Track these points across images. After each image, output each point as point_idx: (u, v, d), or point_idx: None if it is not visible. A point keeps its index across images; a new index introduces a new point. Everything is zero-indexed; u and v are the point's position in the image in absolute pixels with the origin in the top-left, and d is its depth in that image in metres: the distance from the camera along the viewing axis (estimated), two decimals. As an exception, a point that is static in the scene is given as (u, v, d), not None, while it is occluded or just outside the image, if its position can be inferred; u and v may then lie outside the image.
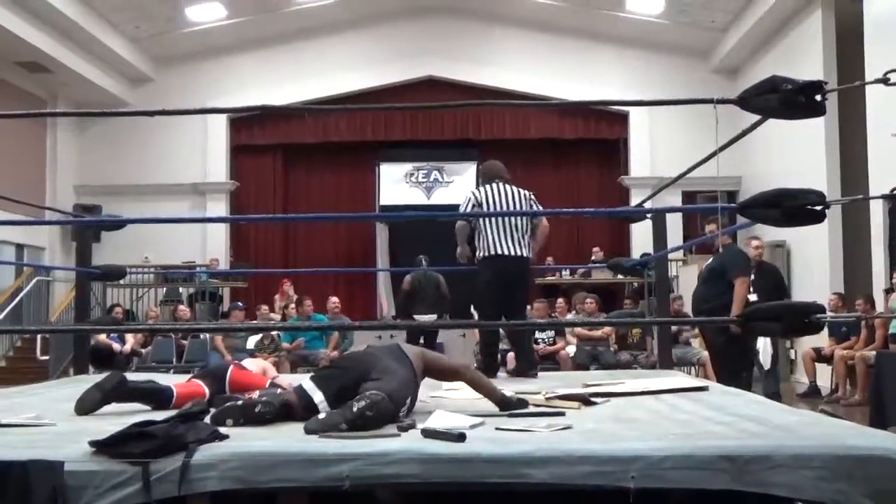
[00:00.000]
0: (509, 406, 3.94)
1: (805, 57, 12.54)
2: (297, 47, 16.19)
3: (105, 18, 14.35)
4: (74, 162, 16.26)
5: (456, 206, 15.67)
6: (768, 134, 12.76)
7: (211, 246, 16.09)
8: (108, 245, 13.53)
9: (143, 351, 11.81)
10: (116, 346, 11.32)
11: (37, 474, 2.69)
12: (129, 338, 11.53)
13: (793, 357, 12.63)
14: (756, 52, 14.56)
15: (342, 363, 3.99)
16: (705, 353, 10.56)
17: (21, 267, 14.61)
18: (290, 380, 4.63)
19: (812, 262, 12.43)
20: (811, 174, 11.67)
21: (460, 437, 2.97)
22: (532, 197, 6.34)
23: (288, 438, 3.11)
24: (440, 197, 16.63)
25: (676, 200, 14.88)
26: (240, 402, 3.60)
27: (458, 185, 16.73)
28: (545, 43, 16.08)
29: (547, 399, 4.33)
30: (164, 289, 15.49)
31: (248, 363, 4.94)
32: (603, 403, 4.28)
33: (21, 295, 14.09)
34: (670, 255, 10.43)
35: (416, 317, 10.95)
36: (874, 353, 9.10)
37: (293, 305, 12.43)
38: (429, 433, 3.08)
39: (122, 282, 13.49)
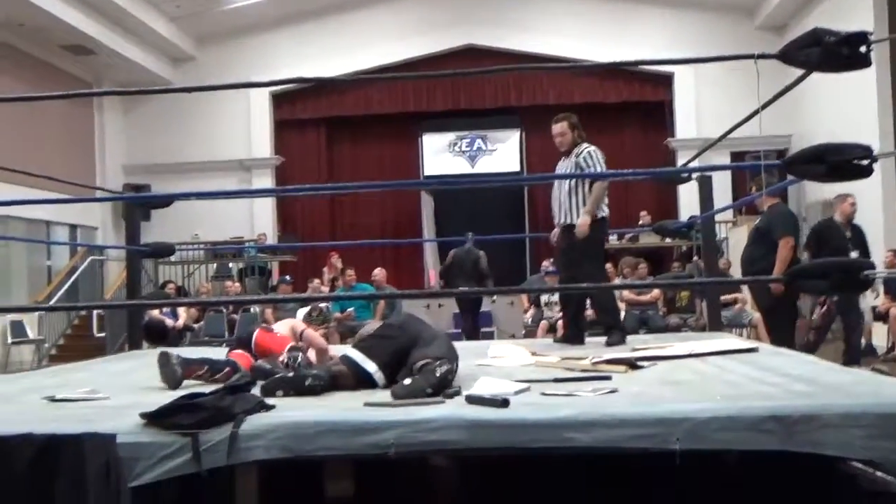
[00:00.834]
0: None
1: (854, 9, 12.18)
2: (337, 20, 16.17)
3: (146, -1, 14.48)
4: (122, 142, 16.49)
5: (500, 174, 15.81)
6: (818, 90, 12.49)
7: (258, 221, 16.25)
8: (158, 223, 13.74)
9: (196, 326, 12.00)
10: (169, 321, 11.50)
11: (91, 447, 2.76)
12: (182, 313, 11.71)
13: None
14: (803, 6, 14.18)
15: (387, 332, 3.99)
16: (757, 315, 10.45)
17: (75, 247, 14.92)
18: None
19: (866, 218, 12.13)
20: (863, 129, 11.39)
21: (504, 403, 2.97)
22: None
23: (333, 408, 3.14)
24: (484, 165, 16.58)
25: (724, 161, 14.63)
26: (290, 375, 3.66)
27: (502, 153, 16.68)
28: (586, 6, 15.85)
29: (593, 364, 4.31)
30: (215, 265, 15.69)
31: (278, 325, 4.98)
32: (650, 367, 4.25)
33: (76, 274, 14.39)
34: (720, 217, 10.33)
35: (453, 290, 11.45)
36: (931, 310, 8.91)
37: (341, 278, 12.54)
38: (473, 399, 3.09)
39: (173, 259, 13.71)
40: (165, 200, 6.90)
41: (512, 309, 12.73)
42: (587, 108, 16.18)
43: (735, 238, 13.76)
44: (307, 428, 2.83)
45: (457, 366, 3.75)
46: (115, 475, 2.71)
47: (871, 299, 10.19)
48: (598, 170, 5.79)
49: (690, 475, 2.97)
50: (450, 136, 16.88)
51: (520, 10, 15.81)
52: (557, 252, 6.31)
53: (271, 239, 15.96)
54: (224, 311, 12.02)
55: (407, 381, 3.39)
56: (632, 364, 4.25)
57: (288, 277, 13.39)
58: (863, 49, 2.84)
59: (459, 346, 4.24)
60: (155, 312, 11.10)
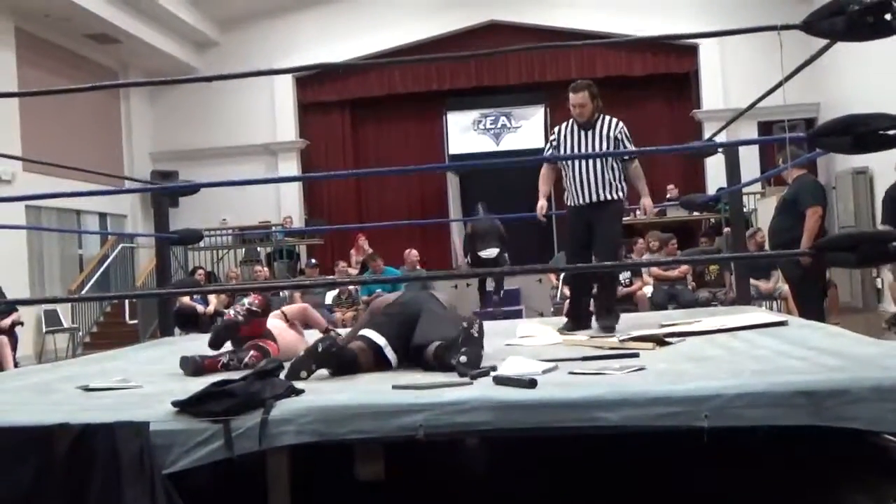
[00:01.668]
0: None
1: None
2: (358, 1, 16.14)
3: (168, -16, 14.53)
4: (149, 129, 16.62)
5: (526, 152, 15.74)
6: (847, 56, 12.26)
7: (285, 205, 16.33)
8: (186, 209, 13.84)
9: (226, 311, 12.10)
10: (200, 307, 11.61)
11: (125, 435, 2.81)
12: (212, 299, 11.81)
13: (879, 286, 12.27)
14: (831, -29, 13.93)
15: (391, 310, 4.10)
16: (786, 287, 10.36)
17: (105, 235, 15.08)
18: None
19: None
20: (893, 96, 11.20)
21: (532, 383, 2.98)
22: None
23: (362, 391, 3.17)
24: (509, 143, 16.51)
25: (752, 131, 14.48)
26: (302, 353, 3.72)
27: (527, 130, 16.58)
28: (608, -22, 15.69)
29: (621, 341, 4.31)
30: (243, 249, 15.80)
31: (288, 308, 4.99)
32: (678, 343, 4.24)
33: (107, 262, 14.56)
34: (748, 189, 10.23)
35: (479, 253, 12.21)
36: (965, 278, 8.79)
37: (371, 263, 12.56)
38: (501, 380, 3.10)
39: (202, 244, 13.81)
40: (192, 188, 6.93)
41: (540, 286, 12.73)
42: (612, 82, 16.04)
43: (764, 209, 13.63)
44: (337, 411, 2.86)
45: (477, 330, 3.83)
46: (149, 462, 2.76)
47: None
48: (632, 146, 5.60)
49: (719, 450, 2.97)
50: (474, 114, 16.82)
51: (542, -16, 15.67)
52: (574, 238, 5.73)
53: (298, 222, 16.03)
54: (254, 295, 12.11)
55: (462, 359, 3.49)
56: (660, 341, 4.24)
57: (313, 261, 13.45)
58: (888, 17, 2.80)
59: (488, 326, 4.25)
60: (186, 299, 11.21)
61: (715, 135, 7.74)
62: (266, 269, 13.89)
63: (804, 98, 14.02)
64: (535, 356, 3.76)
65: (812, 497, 3.07)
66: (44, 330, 12.62)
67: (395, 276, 11.04)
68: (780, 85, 3.52)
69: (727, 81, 15.38)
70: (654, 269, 10.76)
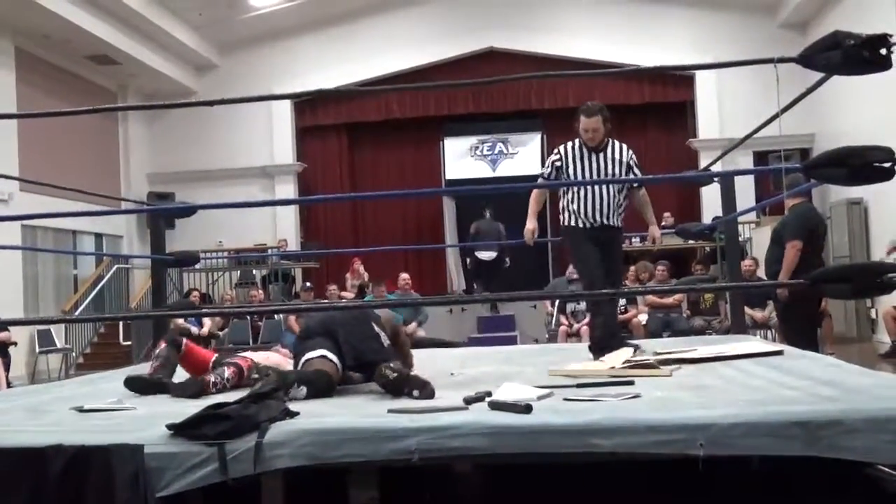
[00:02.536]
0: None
1: (877, 7, 12.08)
2: (357, 26, 16.25)
3: (168, 7, 14.61)
4: (146, 151, 16.65)
5: (522, 178, 15.79)
6: (841, 89, 12.34)
7: (281, 228, 16.35)
8: (182, 231, 13.87)
9: (220, 333, 12.09)
10: (194, 329, 11.61)
11: (119, 457, 2.80)
12: (207, 321, 11.81)
13: (873, 316, 12.29)
14: (825, 4, 14.08)
15: (316, 331, 4.21)
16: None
17: (101, 256, 15.07)
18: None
19: (890, 219, 12.05)
20: (888, 127, 11.28)
21: (527, 409, 2.98)
22: None
23: (356, 414, 3.17)
24: (505, 169, 16.57)
25: (748, 161, 14.55)
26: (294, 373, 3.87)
27: (523, 157, 16.66)
28: (606, 8, 15.83)
29: (617, 369, 4.31)
30: (238, 272, 15.80)
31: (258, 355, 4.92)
32: (673, 371, 4.24)
33: (102, 283, 14.55)
34: (743, 217, 10.27)
35: (477, 254, 13.20)
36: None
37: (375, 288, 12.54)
38: (496, 405, 3.10)
39: (197, 266, 13.81)
40: (188, 210, 6.95)
41: (535, 313, 12.72)
42: (609, 110, 16.14)
43: (758, 239, 13.67)
44: (332, 435, 2.85)
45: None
46: (144, 485, 2.75)
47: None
48: (640, 173, 5.53)
49: (713, 479, 2.97)
50: (471, 140, 16.89)
51: (541, 12, 15.81)
52: (591, 257, 5.36)
53: (294, 245, 16.04)
54: (248, 318, 12.11)
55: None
56: (656, 368, 4.25)
57: (308, 284, 13.47)
58: (883, 51, 2.83)
59: (481, 351, 4.26)
60: (180, 321, 11.20)
61: (711, 164, 7.78)
62: (261, 291, 13.88)
63: (799, 129, 14.12)
64: (529, 382, 3.76)
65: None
66: (37, 350, 12.58)
67: (393, 301, 11.01)
68: (776, 116, 3.55)
69: (723, 111, 15.49)
70: (650, 297, 10.77)
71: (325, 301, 12.59)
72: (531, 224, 5.51)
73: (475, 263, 13.48)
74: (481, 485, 3.56)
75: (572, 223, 5.43)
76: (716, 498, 3.23)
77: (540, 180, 5.74)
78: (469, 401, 3.29)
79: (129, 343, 13.47)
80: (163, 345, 4.62)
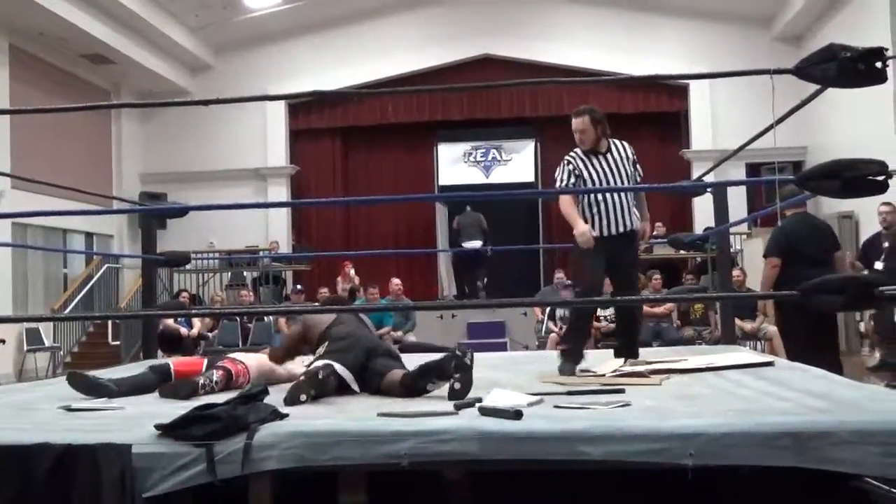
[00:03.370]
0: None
1: (871, 21, 12.15)
2: (353, 30, 16.26)
3: (165, 8, 14.59)
4: (139, 150, 16.61)
5: (516, 185, 15.82)
6: (834, 102, 12.42)
7: (273, 230, 16.32)
8: (174, 231, 13.83)
9: (210, 335, 12.05)
10: (184, 330, 11.56)
11: (106, 457, 2.78)
12: (196, 322, 11.77)
13: (862, 330, 12.32)
14: (820, 17, 14.15)
15: (344, 346, 4.13)
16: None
17: (91, 255, 15.03)
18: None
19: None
20: (880, 141, 11.33)
21: (517, 415, 2.97)
22: None
23: (346, 417, 3.15)
24: (499, 176, 16.58)
25: (740, 173, 14.59)
26: (302, 378, 3.73)
27: (517, 164, 16.68)
28: (601, 17, 15.88)
29: (608, 377, 4.31)
30: (229, 273, 15.76)
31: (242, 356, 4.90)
32: (664, 380, 4.24)
33: (92, 282, 14.49)
34: (734, 228, 10.30)
35: (463, 244, 14.02)
36: (948, 324, 8.83)
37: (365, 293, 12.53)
38: (486, 411, 3.09)
39: (188, 267, 13.77)
40: (181, 211, 6.93)
41: (525, 320, 12.73)
42: (603, 119, 16.20)
43: (749, 250, 13.71)
44: (321, 437, 2.84)
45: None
46: (130, 485, 2.73)
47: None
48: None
49: (702, 489, 2.97)
50: (465, 146, 16.91)
51: (536, 20, 15.84)
52: (595, 270, 5.13)
53: (285, 248, 16.01)
54: (238, 320, 12.08)
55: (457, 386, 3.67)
56: (646, 377, 4.25)
57: (299, 287, 13.44)
58: (879, 64, 2.84)
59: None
60: (170, 321, 11.16)
61: (705, 174, 7.80)
62: (252, 293, 13.85)
63: (792, 142, 14.19)
64: (519, 389, 3.76)
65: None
66: (25, 348, 12.52)
67: (384, 305, 11.01)
68: (771, 127, 3.56)
69: (716, 122, 15.55)
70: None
71: (316, 305, 12.55)
72: (581, 226, 5.07)
73: (461, 257, 14.36)
74: (470, 491, 3.54)
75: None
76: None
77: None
78: (459, 406, 3.28)
79: (117, 343, 13.41)
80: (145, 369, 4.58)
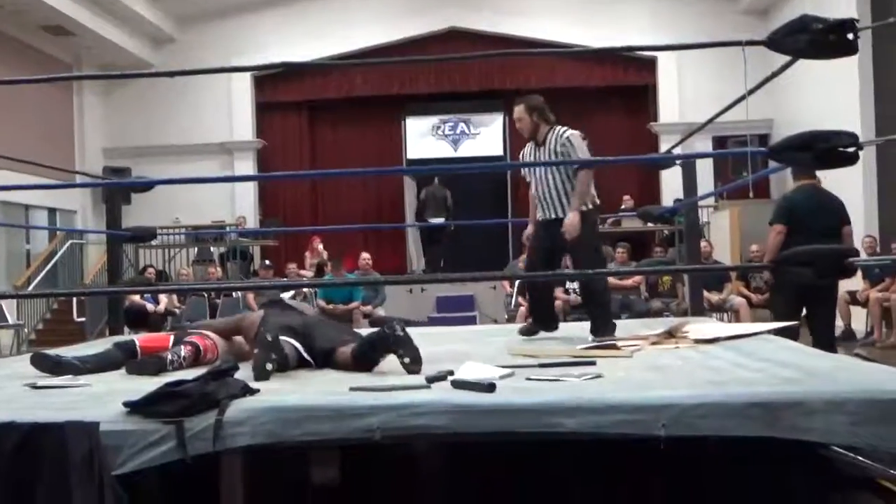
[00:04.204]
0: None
1: (837, -6, 12.20)
2: (319, 3, 16.08)
3: (126, -21, 14.33)
4: (102, 125, 16.35)
5: (483, 158, 15.82)
6: (800, 75, 12.52)
7: (240, 205, 16.18)
8: (138, 207, 13.63)
9: (177, 310, 11.95)
10: (150, 306, 11.46)
11: (74, 435, 2.73)
12: (163, 298, 11.66)
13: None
14: (786, -10, 14.22)
15: (284, 320, 4.11)
16: (738, 300, 10.52)
17: (54, 231, 14.81)
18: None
19: (846, 204, 12.22)
20: (845, 115, 11.44)
21: (490, 388, 2.97)
22: None
23: (318, 392, 3.13)
24: (467, 149, 16.56)
25: (707, 146, 14.67)
26: (257, 350, 3.70)
27: (485, 137, 16.66)
28: (569, -11, 15.83)
29: (586, 349, 4.33)
30: (196, 249, 15.61)
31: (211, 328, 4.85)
32: (635, 352, 4.26)
33: (55, 258, 14.29)
34: (702, 202, 10.37)
35: (428, 219, 14.59)
36: (910, 295, 8.98)
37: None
38: (459, 384, 3.08)
39: (154, 243, 13.60)
40: (146, 185, 6.83)
41: (494, 293, 12.77)
42: (571, 92, 16.23)
43: (716, 222, 13.83)
44: (293, 412, 2.81)
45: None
46: (99, 463, 2.69)
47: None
48: (581, 157, 5.27)
49: (673, 460, 2.99)
50: (433, 120, 16.85)
51: (504, -7, 15.76)
52: (534, 250, 5.49)
53: (252, 223, 15.89)
54: (206, 295, 11.98)
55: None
56: (616, 349, 4.27)
57: (267, 262, 13.35)
58: (850, 36, 2.84)
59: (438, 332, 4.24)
60: (136, 297, 11.05)
61: (673, 147, 7.82)
62: (219, 269, 13.74)
63: (758, 115, 14.25)
64: (490, 361, 3.75)
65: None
66: (-12, 326, 12.34)
67: (353, 280, 10.97)
68: (743, 98, 3.56)
69: (683, 96, 15.61)
70: (609, 279, 10.83)
71: (286, 280, 12.49)
72: (529, 228, 5.59)
73: (427, 230, 14.95)
74: (443, 464, 3.55)
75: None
76: (672, 479, 3.26)
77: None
78: (431, 379, 3.27)
79: (82, 319, 13.24)
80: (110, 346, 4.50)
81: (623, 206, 14.59)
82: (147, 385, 3.07)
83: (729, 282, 10.74)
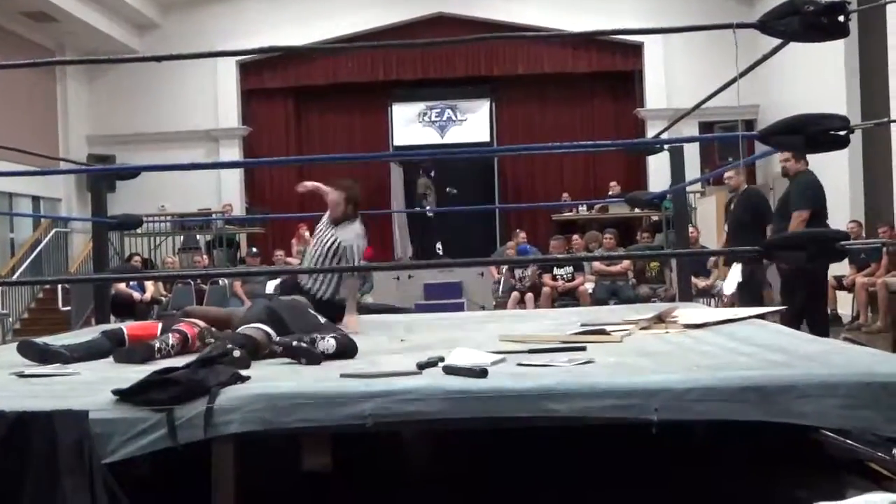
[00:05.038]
0: None
1: (824, -21, 12.20)
2: (304, -12, 15.96)
3: (109, -36, 14.18)
4: (86, 112, 16.19)
5: (472, 145, 15.79)
6: (786, 61, 12.47)
7: (226, 192, 16.08)
8: (123, 195, 13.54)
9: (164, 298, 11.89)
10: (136, 294, 11.40)
11: (62, 424, 2.71)
12: (149, 286, 11.60)
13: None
14: (773, -24, 14.19)
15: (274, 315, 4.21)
16: (724, 285, 10.53)
17: (38, 219, 14.69)
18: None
19: (832, 189, 12.25)
20: (831, 100, 11.44)
21: (482, 373, 2.96)
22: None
23: (309, 379, 3.12)
24: (454, 135, 16.50)
25: (693, 131, 14.65)
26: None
27: (472, 123, 16.60)
28: (556, -25, 15.76)
29: (572, 335, 4.33)
30: (182, 236, 15.52)
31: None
32: (625, 337, 4.26)
33: (40, 247, 14.18)
34: (689, 188, 10.39)
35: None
36: (896, 279, 9.03)
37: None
38: (451, 370, 3.07)
39: (139, 231, 13.51)
40: (132, 172, 6.78)
41: (482, 280, 12.76)
42: (558, 78, 16.25)
43: (703, 208, 13.85)
44: (284, 399, 2.80)
45: None
46: (88, 452, 2.67)
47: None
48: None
49: (664, 443, 2.99)
50: (420, 106, 16.77)
51: (490, -22, 15.68)
52: None
53: (238, 210, 15.81)
54: (192, 283, 11.92)
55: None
56: (606, 335, 4.27)
57: (254, 249, 13.29)
58: (841, 18, 2.83)
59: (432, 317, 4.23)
60: (122, 285, 10.99)
61: (661, 133, 7.82)
62: (206, 257, 13.67)
63: (745, 100, 14.21)
64: (480, 347, 3.75)
65: (751, 491, 3.10)
66: (-28, 315, 12.25)
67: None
68: (734, 81, 3.55)
69: (670, 81, 15.58)
70: (596, 265, 10.86)
71: (273, 267, 12.44)
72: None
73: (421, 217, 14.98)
74: (435, 450, 3.55)
75: None
76: (663, 463, 3.27)
77: None
78: (422, 366, 3.26)
79: (68, 308, 13.15)
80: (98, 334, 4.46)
81: (610, 193, 14.61)
82: (136, 373, 3.05)
83: (716, 267, 10.76)
